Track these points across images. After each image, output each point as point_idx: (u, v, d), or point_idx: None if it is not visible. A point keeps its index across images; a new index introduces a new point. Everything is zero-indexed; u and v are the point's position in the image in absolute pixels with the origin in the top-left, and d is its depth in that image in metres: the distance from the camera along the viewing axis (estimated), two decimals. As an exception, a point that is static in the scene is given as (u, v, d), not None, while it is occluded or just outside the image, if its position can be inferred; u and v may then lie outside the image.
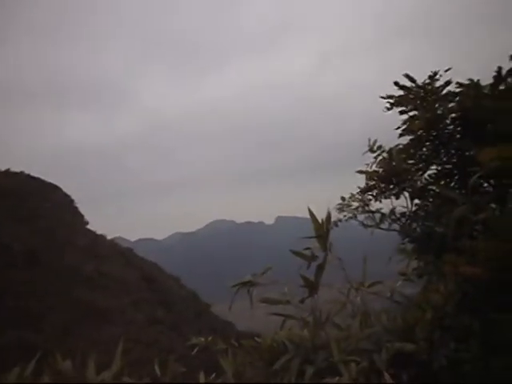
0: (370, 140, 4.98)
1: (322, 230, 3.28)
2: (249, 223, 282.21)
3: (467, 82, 3.35)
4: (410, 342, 2.53)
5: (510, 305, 2.21)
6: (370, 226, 5.33)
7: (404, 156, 4.00)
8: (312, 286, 2.57)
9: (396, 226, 4.78)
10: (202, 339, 3.11)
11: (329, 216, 3.29)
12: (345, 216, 5.52)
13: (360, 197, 5.24)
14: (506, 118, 2.96)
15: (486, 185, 2.94)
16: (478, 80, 3.32)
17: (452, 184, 3.48)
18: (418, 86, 3.49)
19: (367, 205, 5.26)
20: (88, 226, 64.98)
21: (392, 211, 4.33)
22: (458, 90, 3.40)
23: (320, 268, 2.61)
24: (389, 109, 3.69)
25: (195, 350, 3.09)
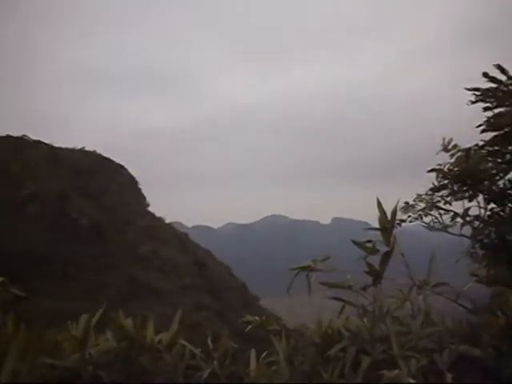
0: (444, 139, 4.73)
1: (388, 222, 3.17)
2: (304, 221, 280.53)
3: None
4: (475, 346, 2.38)
5: None
6: (437, 229, 5.09)
7: (484, 154, 3.77)
8: (376, 274, 2.48)
9: (467, 231, 4.52)
10: (257, 318, 3.12)
11: (395, 210, 3.17)
12: (409, 216, 5.30)
13: (427, 198, 4.99)
14: None
15: None
16: None
17: None
18: (510, 78, 3.25)
19: (435, 206, 5.01)
20: (149, 208, 67.80)
21: (466, 212, 4.09)
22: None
23: (386, 256, 2.51)
24: (473, 102, 3.47)
25: (249, 327, 3.10)
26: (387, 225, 3.17)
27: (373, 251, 3.03)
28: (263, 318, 3.11)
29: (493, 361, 2.27)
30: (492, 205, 4.13)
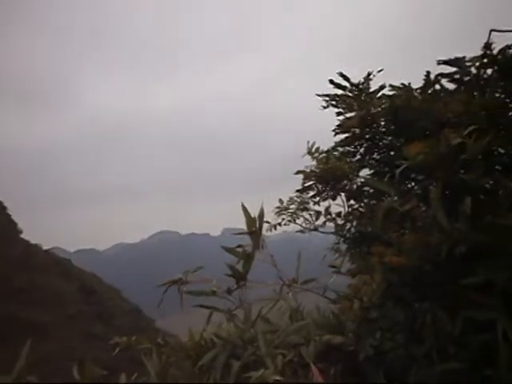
0: (308, 143, 5.02)
1: (255, 225, 3.24)
2: (195, 235, 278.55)
3: (399, 85, 3.49)
4: (339, 334, 2.52)
5: (431, 294, 2.26)
6: (310, 230, 5.35)
7: (338, 155, 4.07)
8: (239, 277, 2.49)
9: (332, 229, 4.82)
10: (125, 338, 2.94)
11: (262, 213, 3.26)
12: (283, 219, 5.51)
13: (299, 199, 5.24)
14: (430, 117, 3.11)
15: (412, 177, 3.05)
16: (410, 83, 3.46)
17: (384, 180, 3.57)
18: (352, 85, 3.56)
19: (306, 208, 5.28)
20: (22, 235, 61.51)
21: (327, 210, 4.37)
22: (391, 92, 3.53)
23: (248, 258, 2.55)
24: (325, 107, 3.75)
25: (117, 350, 2.91)
26: (255, 228, 3.22)
27: (243, 256, 3.06)
28: (132, 338, 2.94)
29: (353, 345, 2.41)
30: (351, 202, 4.48)
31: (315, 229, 5.36)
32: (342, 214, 4.66)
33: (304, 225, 5.50)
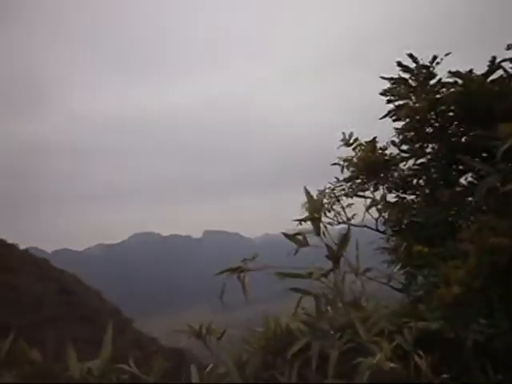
0: (344, 134, 4.90)
1: (317, 211, 3.09)
2: (175, 236, 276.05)
3: (460, 72, 3.40)
4: (431, 321, 2.38)
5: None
6: (340, 223, 5.23)
7: (388, 144, 3.97)
8: (335, 258, 2.34)
9: (371, 222, 4.70)
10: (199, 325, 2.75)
11: (321, 199, 3.10)
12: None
13: (329, 192, 5.11)
14: (505, 100, 3.03)
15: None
16: (472, 69, 3.39)
17: (452, 166, 3.50)
18: (420, 67, 3.46)
19: (338, 200, 5.15)
20: (-2, 235, 59.81)
21: (383, 197, 4.25)
22: (451, 79, 3.44)
23: (345, 239, 2.39)
24: (382, 94, 3.64)
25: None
26: (316, 214, 3.07)
27: (303, 243, 2.91)
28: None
29: (451, 332, 2.29)
30: (394, 192, 4.38)
31: (346, 222, 5.24)
32: (380, 205, 4.56)
33: (335, 218, 5.39)
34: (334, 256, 2.34)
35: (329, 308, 2.45)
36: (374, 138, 4.22)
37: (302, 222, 5.44)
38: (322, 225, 3.10)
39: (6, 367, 1.99)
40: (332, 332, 2.32)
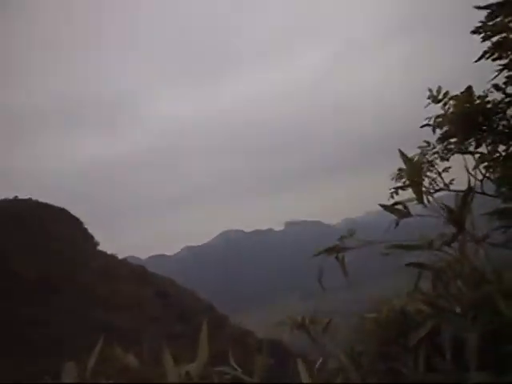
0: (431, 90, 4.34)
1: (417, 175, 2.63)
2: (258, 231, 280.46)
3: None
4: None
5: None
6: (437, 190, 4.68)
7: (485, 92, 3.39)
8: (459, 222, 1.91)
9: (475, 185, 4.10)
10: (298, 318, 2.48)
11: (420, 160, 2.64)
12: (404, 182, 4.84)
13: (425, 158, 4.54)
14: None
15: None
16: None
17: None
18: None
19: (432, 165, 4.60)
20: (99, 247, 64.82)
21: (492, 152, 3.66)
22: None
23: (465, 199, 1.96)
24: (484, 38, 3.09)
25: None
26: (417, 177, 2.61)
27: (404, 214, 2.48)
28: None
29: None
30: (503, 145, 3.76)
31: (444, 188, 4.67)
32: (487, 162, 3.96)
33: (431, 185, 4.83)
34: (457, 219, 1.91)
35: (454, 284, 2.03)
36: (470, 86, 3.64)
37: (395, 194, 4.95)
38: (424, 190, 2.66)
39: (101, 374, 1.84)
40: (462, 312, 1.90)
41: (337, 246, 2.61)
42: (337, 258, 2.55)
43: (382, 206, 2.70)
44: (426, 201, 2.67)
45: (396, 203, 2.79)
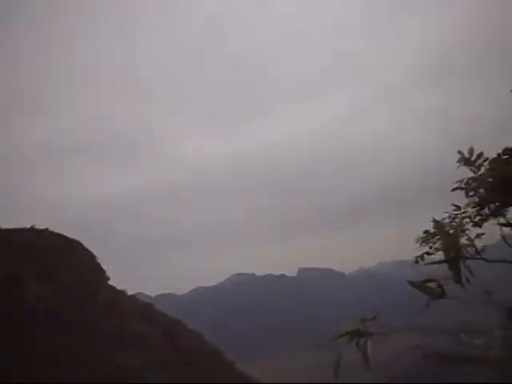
0: (461, 153, 4.20)
1: (455, 247, 2.46)
2: (270, 276, 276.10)
3: None
4: None
5: None
6: (471, 257, 4.41)
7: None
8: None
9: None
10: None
11: (458, 233, 2.49)
12: (431, 248, 4.56)
13: (454, 222, 4.32)
14: None
15: None
16: None
17: None
18: None
19: (463, 230, 4.36)
20: (109, 282, 64.32)
21: None
22: None
23: None
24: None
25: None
26: (454, 252, 2.44)
27: (438, 294, 2.30)
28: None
29: None
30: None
31: (476, 257, 4.42)
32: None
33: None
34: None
35: None
36: (509, 148, 3.50)
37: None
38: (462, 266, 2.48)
39: None
40: None
41: (358, 330, 2.40)
42: (357, 344, 2.34)
43: (411, 283, 2.50)
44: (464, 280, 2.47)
45: (428, 280, 2.58)
